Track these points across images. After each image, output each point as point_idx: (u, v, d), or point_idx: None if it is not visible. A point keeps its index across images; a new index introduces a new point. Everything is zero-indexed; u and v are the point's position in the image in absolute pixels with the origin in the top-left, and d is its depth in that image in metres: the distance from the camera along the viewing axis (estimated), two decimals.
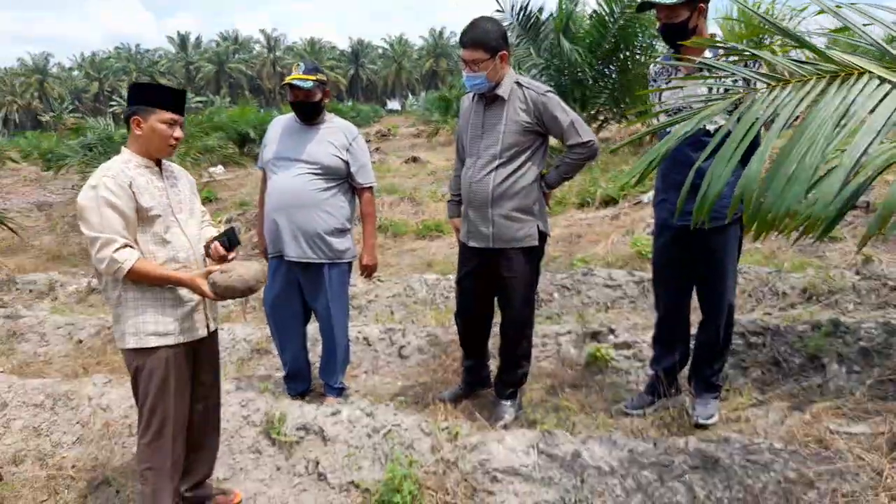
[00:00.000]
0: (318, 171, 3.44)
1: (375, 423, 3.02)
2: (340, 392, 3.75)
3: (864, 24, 2.03)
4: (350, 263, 3.68)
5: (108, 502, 2.95)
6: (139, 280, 2.41)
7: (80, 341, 5.15)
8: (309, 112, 3.49)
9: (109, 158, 2.57)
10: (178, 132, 2.51)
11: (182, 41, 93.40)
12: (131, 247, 2.37)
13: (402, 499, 2.50)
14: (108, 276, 2.41)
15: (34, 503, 3.01)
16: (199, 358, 2.67)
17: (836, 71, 1.80)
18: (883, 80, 1.74)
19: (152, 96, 2.46)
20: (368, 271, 3.76)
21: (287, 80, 3.41)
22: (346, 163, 3.51)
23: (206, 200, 11.08)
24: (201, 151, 13.24)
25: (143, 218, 2.43)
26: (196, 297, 2.55)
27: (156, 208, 2.45)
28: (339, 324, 3.64)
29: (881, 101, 1.70)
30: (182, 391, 2.57)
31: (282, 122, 3.65)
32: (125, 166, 2.45)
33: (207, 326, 2.64)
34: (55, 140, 21.93)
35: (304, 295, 3.65)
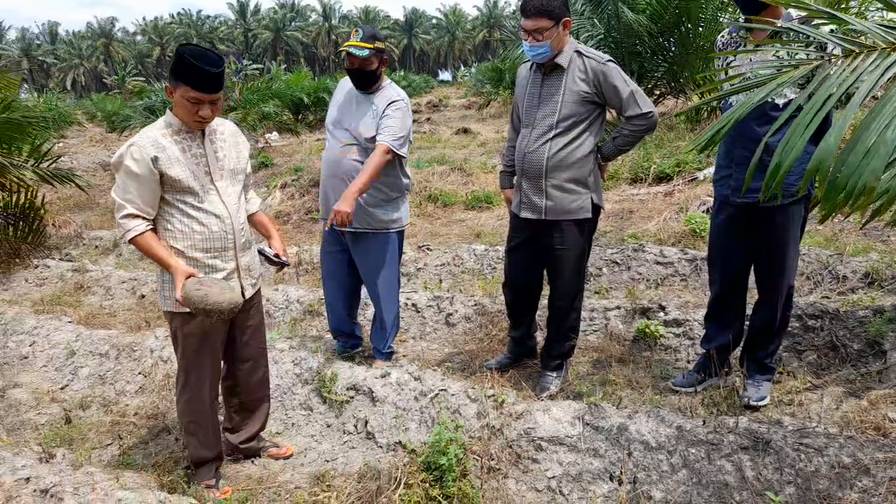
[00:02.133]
0: (361, 145, 3.43)
1: (423, 387, 3.08)
2: (389, 356, 3.82)
3: None
4: (400, 233, 3.68)
5: (167, 448, 3.10)
6: (140, 251, 2.46)
7: (143, 296, 5.38)
8: (363, 80, 3.43)
9: None
10: (204, 111, 2.39)
11: (241, 8, 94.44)
12: (143, 218, 2.40)
13: (447, 461, 2.55)
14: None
15: (99, 445, 3.19)
16: (238, 322, 2.72)
17: None
18: None
19: (180, 70, 2.34)
20: (338, 218, 3.24)
21: (343, 46, 3.37)
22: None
23: (262, 166, 11.30)
24: (259, 118, 13.47)
25: (177, 188, 2.43)
26: (230, 266, 2.59)
27: (188, 179, 2.43)
28: (385, 291, 3.67)
29: None
30: (217, 353, 2.66)
31: (346, 86, 3.61)
32: (161, 133, 2.43)
33: (243, 293, 2.66)
34: (119, 102, 22.66)
35: (351, 259, 3.71)
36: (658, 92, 12.23)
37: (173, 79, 2.37)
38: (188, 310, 2.41)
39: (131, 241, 2.41)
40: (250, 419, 2.93)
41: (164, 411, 3.42)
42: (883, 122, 1.38)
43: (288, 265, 2.87)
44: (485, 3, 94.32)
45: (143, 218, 2.41)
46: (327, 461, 2.91)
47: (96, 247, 7.31)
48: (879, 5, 1.95)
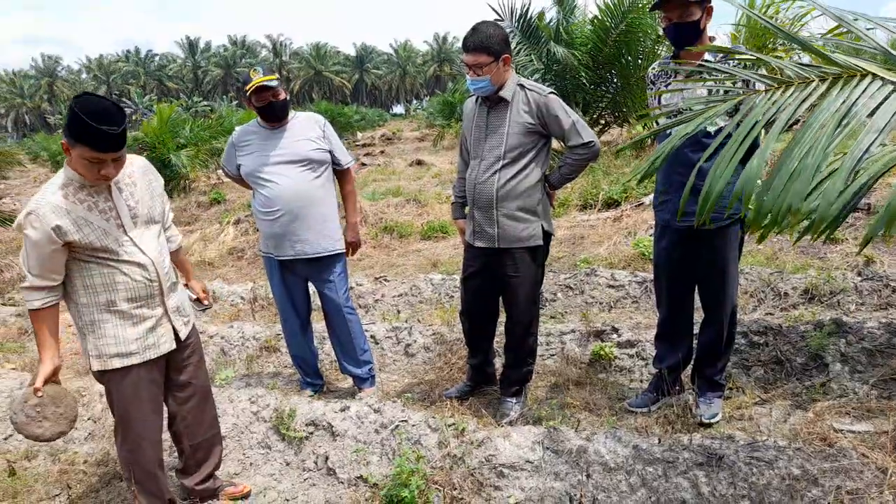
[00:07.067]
0: (311, 167, 3.49)
1: (383, 419, 3.06)
2: (374, 380, 3.89)
3: (868, 28, 2.05)
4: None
5: (118, 496, 3.00)
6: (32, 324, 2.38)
7: None
8: (280, 111, 3.47)
9: None
10: (106, 170, 2.18)
11: (191, 46, 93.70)
12: (47, 288, 2.28)
13: (409, 493, 2.53)
14: None
15: (46, 497, 3.06)
16: (175, 364, 2.63)
17: (838, 73, 1.80)
18: (885, 82, 1.74)
19: (77, 130, 2.09)
20: (353, 248, 3.81)
21: (253, 83, 3.35)
22: (329, 151, 3.59)
23: (215, 202, 11.16)
24: (210, 154, 13.40)
25: (89, 248, 2.27)
26: (158, 312, 2.47)
27: (100, 239, 2.27)
28: (353, 310, 3.78)
29: (882, 102, 1.69)
30: (155, 401, 2.55)
31: (248, 131, 3.60)
32: (63, 193, 2.22)
33: (177, 337, 2.56)
34: None
35: (307, 289, 3.75)
36: (603, 122, 12.62)
37: (70, 138, 2.11)
38: (116, 366, 2.40)
39: (29, 311, 2.32)
40: (203, 461, 2.84)
41: (115, 457, 3.29)
42: (804, 149, 1.48)
43: (209, 307, 3.00)
44: (434, 38, 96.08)
45: (47, 288, 2.28)
46: (287, 500, 2.85)
47: None
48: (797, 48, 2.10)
